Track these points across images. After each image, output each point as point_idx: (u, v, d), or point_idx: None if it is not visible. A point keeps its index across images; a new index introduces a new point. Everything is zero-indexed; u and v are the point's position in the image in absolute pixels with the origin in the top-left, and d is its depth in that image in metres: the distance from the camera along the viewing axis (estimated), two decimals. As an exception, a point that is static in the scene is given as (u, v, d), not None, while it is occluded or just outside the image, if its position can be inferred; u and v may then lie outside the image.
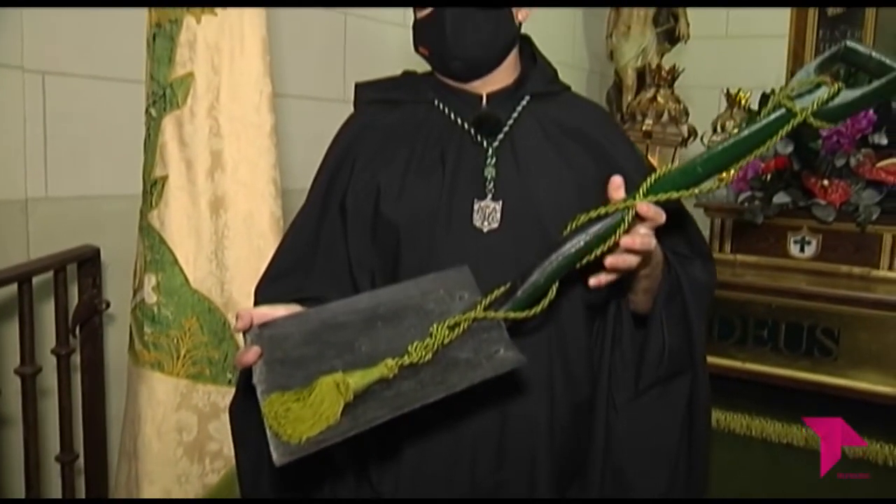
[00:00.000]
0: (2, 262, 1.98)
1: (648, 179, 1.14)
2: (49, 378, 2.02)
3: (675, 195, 1.13)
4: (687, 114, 3.46)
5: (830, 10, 2.72)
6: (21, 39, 2.09)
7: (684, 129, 3.39)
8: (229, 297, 1.75)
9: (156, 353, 1.72)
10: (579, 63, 4.54)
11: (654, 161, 3.31)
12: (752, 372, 2.39)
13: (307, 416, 1.02)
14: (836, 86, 1.11)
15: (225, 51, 1.72)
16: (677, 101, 3.41)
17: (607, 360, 1.34)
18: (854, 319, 2.30)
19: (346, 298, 1.16)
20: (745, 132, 1.13)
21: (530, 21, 1.41)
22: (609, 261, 1.14)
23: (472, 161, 1.32)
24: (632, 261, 1.16)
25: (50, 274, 1.97)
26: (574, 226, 1.14)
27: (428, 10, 1.32)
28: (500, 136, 1.34)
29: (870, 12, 2.65)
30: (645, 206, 1.12)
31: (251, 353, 1.08)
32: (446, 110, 1.37)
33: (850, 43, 1.17)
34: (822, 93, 1.10)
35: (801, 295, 2.36)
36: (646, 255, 1.19)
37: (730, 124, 3.19)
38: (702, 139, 3.37)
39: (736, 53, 4.38)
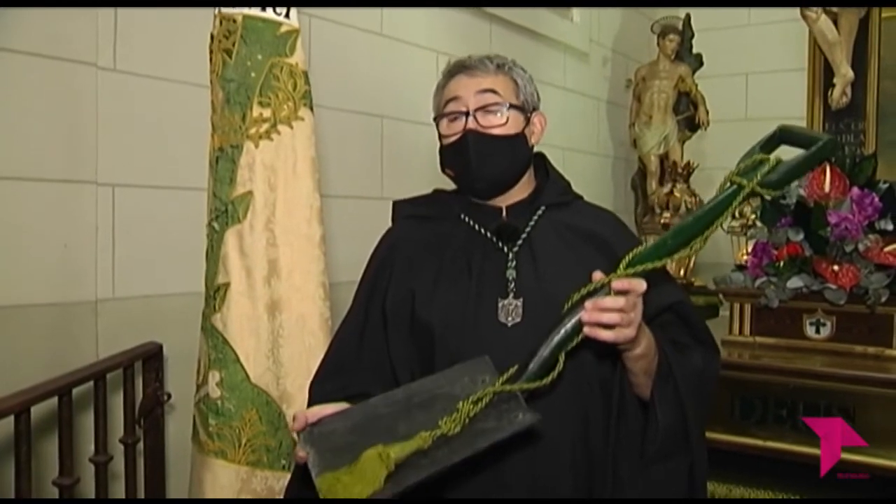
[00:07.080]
0: (73, 357, 2.17)
1: (626, 257, 1.31)
2: (116, 463, 2.19)
3: (649, 266, 1.30)
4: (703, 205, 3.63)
5: (834, 104, 2.90)
6: (96, 158, 2.34)
7: (700, 220, 3.54)
8: (284, 390, 1.90)
9: (219, 442, 1.87)
10: (604, 151, 4.67)
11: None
12: (773, 450, 2.48)
13: (355, 482, 1.19)
14: (773, 160, 1.31)
15: (280, 171, 1.90)
16: (692, 194, 3.59)
17: (614, 430, 1.47)
18: (868, 398, 2.38)
19: (384, 393, 1.33)
20: (707, 207, 1.33)
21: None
22: (588, 316, 1.29)
23: (495, 265, 1.51)
24: (613, 318, 1.29)
25: (119, 370, 2.17)
26: (569, 305, 1.32)
27: (453, 138, 1.52)
28: (519, 241, 1.53)
29: (871, 106, 2.83)
30: (618, 282, 1.28)
31: (302, 453, 1.27)
32: (471, 222, 1.56)
33: (783, 125, 1.39)
34: (764, 167, 1.31)
35: (815, 375, 2.46)
36: (630, 328, 1.31)
37: (748, 210, 3.34)
38: (721, 225, 3.53)
39: (756, 136, 4.55)
